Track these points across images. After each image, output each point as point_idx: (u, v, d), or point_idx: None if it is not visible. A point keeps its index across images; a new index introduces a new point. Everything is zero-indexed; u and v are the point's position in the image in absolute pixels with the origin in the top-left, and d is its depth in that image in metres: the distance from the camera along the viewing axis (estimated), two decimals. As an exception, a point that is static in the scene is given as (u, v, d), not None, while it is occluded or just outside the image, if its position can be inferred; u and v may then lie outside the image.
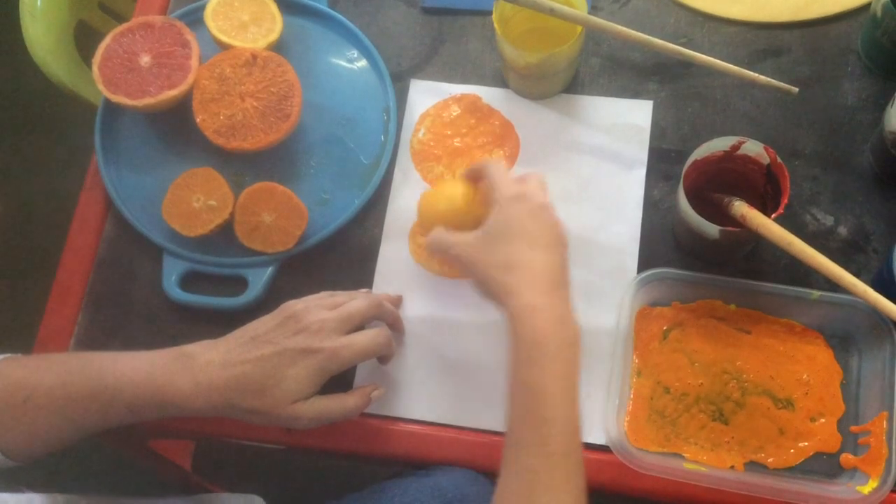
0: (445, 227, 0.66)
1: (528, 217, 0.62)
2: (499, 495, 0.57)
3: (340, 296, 0.68)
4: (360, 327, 0.67)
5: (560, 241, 0.63)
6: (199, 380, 0.62)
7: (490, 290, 0.62)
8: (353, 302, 0.67)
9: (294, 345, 0.63)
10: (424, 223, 0.71)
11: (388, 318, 0.71)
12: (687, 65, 0.79)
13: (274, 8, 0.80)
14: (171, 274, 0.76)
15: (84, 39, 0.99)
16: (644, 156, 0.78)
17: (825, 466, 0.68)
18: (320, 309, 0.66)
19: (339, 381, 0.73)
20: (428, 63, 0.83)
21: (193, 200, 0.75)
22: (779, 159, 0.67)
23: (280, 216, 0.75)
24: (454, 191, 0.69)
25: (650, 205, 0.76)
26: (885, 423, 0.65)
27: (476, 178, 0.68)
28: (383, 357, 0.70)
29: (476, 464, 0.70)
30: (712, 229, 0.66)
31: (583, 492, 0.56)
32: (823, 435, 0.68)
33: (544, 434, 0.56)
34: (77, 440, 0.65)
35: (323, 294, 0.69)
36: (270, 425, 0.64)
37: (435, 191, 0.71)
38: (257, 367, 0.63)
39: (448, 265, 0.76)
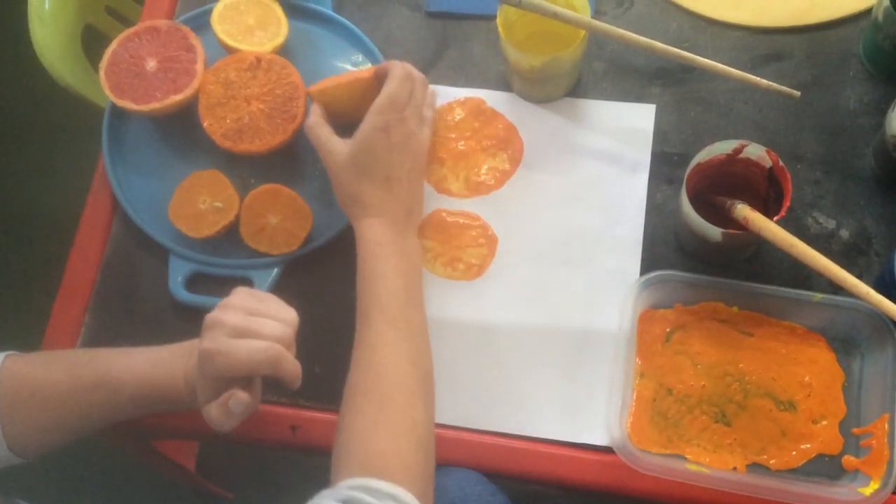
0: (339, 110, 0.72)
1: (385, 152, 0.68)
2: (352, 367, 0.62)
3: (267, 303, 0.64)
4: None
5: (416, 169, 0.70)
6: (187, 372, 0.64)
7: (343, 207, 0.71)
8: (268, 324, 0.61)
9: (206, 344, 0.61)
10: (323, 98, 0.73)
11: (286, 370, 0.62)
12: (689, 69, 0.79)
13: (280, 12, 0.81)
14: (178, 275, 0.77)
15: (91, 43, 1.00)
16: (647, 159, 0.78)
17: (827, 468, 0.68)
18: (233, 311, 0.62)
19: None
20: (432, 67, 0.83)
21: (199, 202, 0.76)
22: (781, 163, 0.67)
23: (285, 218, 0.76)
24: (357, 84, 0.72)
25: (653, 208, 0.76)
26: (886, 425, 0.66)
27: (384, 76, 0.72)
28: (282, 379, 0.62)
29: (479, 464, 0.71)
30: (715, 232, 0.66)
31: (425, 365, 0.65)
32: (825, 437, 0.68)
33: (384, 304, 0.64)
34: (81, 435, 0.66)
35: (249, 293, 0.64)
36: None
37: (340, 78, 0.74)
38: (198, 365, 0.62)
39: (451, 267, 0.77)
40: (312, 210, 0.78)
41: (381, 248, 0.67)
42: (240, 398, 0.60)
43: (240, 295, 0.64)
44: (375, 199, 0.69)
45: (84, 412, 0.64)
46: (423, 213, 0.74)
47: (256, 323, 0.61)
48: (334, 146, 0.70)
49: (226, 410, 0.60)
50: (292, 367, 0.62)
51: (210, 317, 0.61)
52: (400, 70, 0.71)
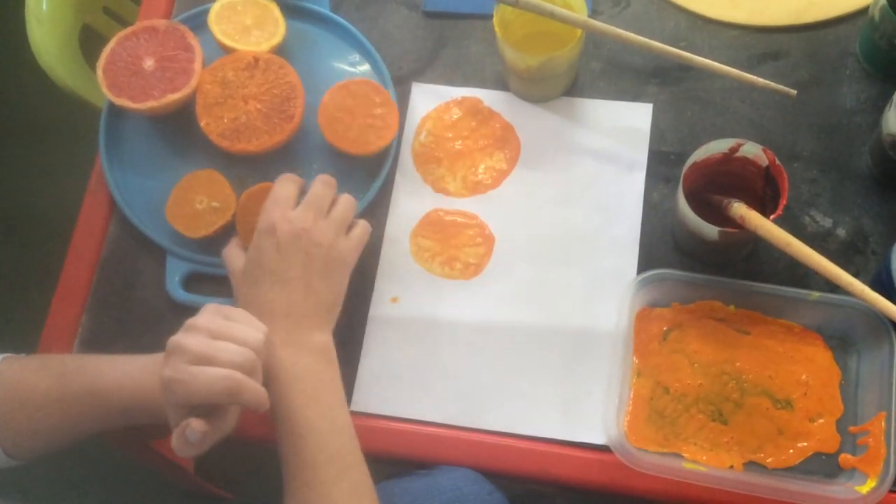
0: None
1: (275, 252, 0.67)
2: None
3: (234, 323, 0.60)
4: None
5: (320, 271, 0.67)
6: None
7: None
8: (229, 349, 0.57)
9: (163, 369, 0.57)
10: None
11: (247, 399, 0.56)
12: (686, 68, 0.80)
13: (277, 12, 0.81)
14: (175, 275, 0.77)
15: (89, 43, 1.00)
16: (644, 158, 0.78)
17: (824, 466, 0.68)
18: (195, 334, 0.58)
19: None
20: (429, 66, 0.84)
21: (196, 202, 0.76)
22: (777, 161, 0.67)
23: None
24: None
25: (650, 207, 0.77)
26: (883, 423, 0.66)
27: None
28: (245, 405, 0.58)
29: (476, 464, 0.71)
30: (711, 230, 0.66)
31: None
32: (822, 435, 0.68)
33: (300, 448, 0.62)
34: (78, 439, 0.65)
35: (217, 311, 0.61)
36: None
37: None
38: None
39: (448, 267, 0.77)
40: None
41: (285, 369, 0.62)
42: (194, 428, 0.55)
43: (206, 314, 0.59)
44: (273, 303, 0.65)
45: (74, 421, 0.63)
46: (337, 311, 0.68)
47: (216, 349, 0.56)
48: (235, 263, 0.71)
49: (183, 440, 0.56)
50: (253, 394, 0.56)
51: (172, 340, 0.57)
52: (283, 175, 0.71)
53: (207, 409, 0.57)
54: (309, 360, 0.65)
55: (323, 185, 0.71)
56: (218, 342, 0.57)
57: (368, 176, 0.79)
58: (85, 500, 0.67)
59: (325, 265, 0.68)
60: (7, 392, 0.63)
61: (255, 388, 0.57)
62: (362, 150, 0.76)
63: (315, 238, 0.68)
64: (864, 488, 0.65)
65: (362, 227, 0.72)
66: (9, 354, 0.66)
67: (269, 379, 0.61)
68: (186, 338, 0.57)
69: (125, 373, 0.63)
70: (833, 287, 0.66)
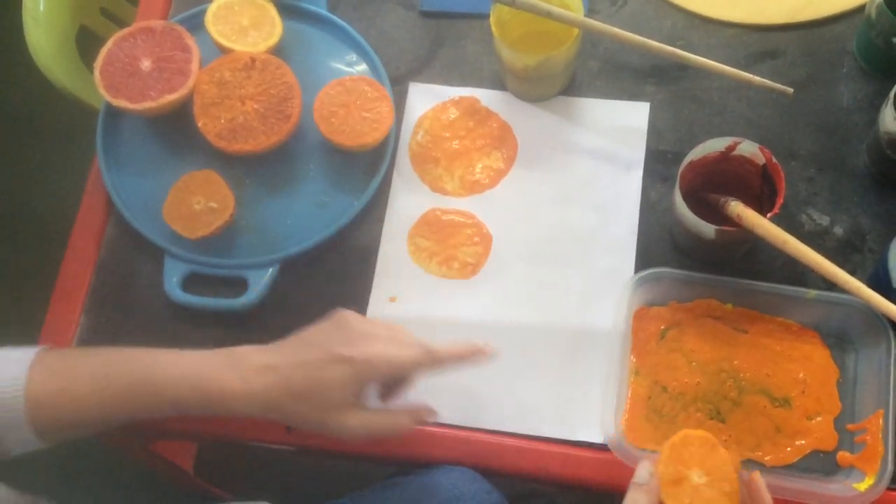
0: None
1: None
2: None
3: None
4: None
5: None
6: (246, 379, 0.61)
7: None
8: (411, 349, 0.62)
9: (337, 350, 0.61)
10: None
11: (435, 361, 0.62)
12: (683, 67, 0.80)
13: (274, 12, 0.81)
14: (173, 275, 0.77)
15: (86, 44, 1.00)
16: (641, 157, 0.78)
17: (822, 464, 0.68)
18: (375, 323, 0.63)
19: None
20: (426, 66, 0.84)
21: (194, 203, 0.76)
22: (774, 160, 0.68)
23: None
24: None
25: (647, 205, 0.77)
26: (880, 420, 0.66)
27: None
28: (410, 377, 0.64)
29: (474, 462, 0.71)
30: (708, 229, 0.66)
31: None
32: (820, 433, 0.69)
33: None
34: (115, 427, 0.64)
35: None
36: (319, 433, 0.62)
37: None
38: (300, 371, 0.61)
39: (446, 266, 0.77)
40: (308, 210, 0.78)
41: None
42: (435, 414, 0.64)
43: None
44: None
45: (117, 410, 0.62)
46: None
47: (394, 328, 0.63)
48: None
49: (420, 422, 0.63)
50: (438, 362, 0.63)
51: (353, 328, 0.62)
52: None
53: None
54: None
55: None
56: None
57: (366, 175, 0.79)
58: (85, 499, 0.67)
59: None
60: (48, 379, 0.62)
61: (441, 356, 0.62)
62: (358, 142, 0.76)
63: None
64: (862, 486, 0.65)
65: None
66: (47, 346, 0.65)
67: None
68: (369, 324, 0.63)
69: (178, 364, 0.62)
70: (830, 285, 0.66)
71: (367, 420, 0.62)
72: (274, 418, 0.63)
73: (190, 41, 0.78)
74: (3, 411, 0.59)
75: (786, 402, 0.69)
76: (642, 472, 0.59)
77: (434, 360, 0.62)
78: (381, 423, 0.63)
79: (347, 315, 0.64)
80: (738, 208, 0.67)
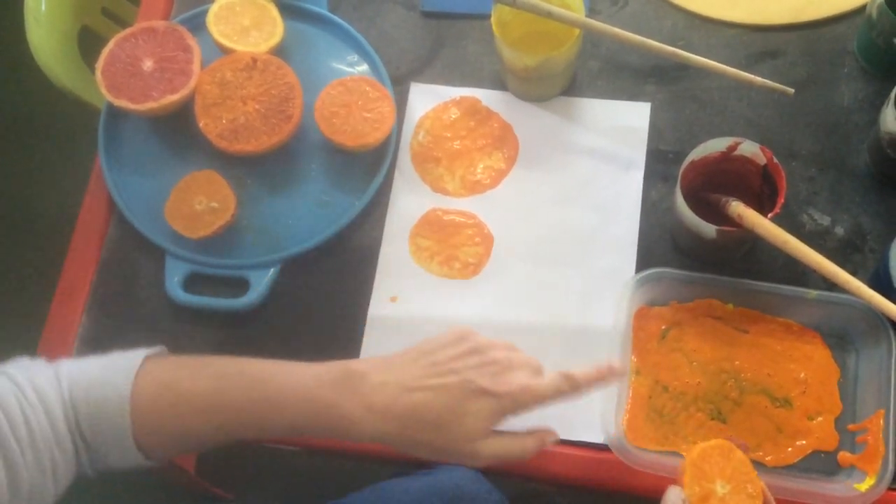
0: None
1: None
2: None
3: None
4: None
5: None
6: (372, 403, 0.57)
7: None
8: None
9: (479, 380, 0.57)
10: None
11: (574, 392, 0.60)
12: (684, 67, 0.80)
13: (275, 12, 0.81)
14: (174, 275, 0.77)
15: (88, 45, 1.00)
16: (642, 157, 0.78)
17: (823, 464, 0.68)
18: (499, 345, 0.60)
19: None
20: (427, 66, 0.84)
21: (195, 203, 0.76)
22: (775, 160, 0.68)
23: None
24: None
25: (648, 205, 0.77)
26: (881, 420, 0.66)
27: None
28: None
29: (476, 463, 0.71)
30: (709, 229, 0.66)
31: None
32: (821, 433, 0.69)
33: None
34: (217, 445, 0.61)
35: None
36: (444, 460, 0.59)
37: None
38: (440, 397, 0.57)
39: (447, 266, 0.77)
40: (309, 210, 0.78)
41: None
42: (556, 436, 0.61)
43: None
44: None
45: (230, 432, 0.59)
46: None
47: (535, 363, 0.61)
48: None
49: (543, 445, 0.60)
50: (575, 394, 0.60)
51: (488, 353, 0.59)
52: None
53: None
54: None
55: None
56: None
57: (367, 175, 0.79)
58: (85, 500, 0.67)
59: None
60: (157, 393, 0.58)
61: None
62: (359, 142, 0.76)
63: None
64: (863, 486, 0.65)
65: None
66: (150, 351, 0.61)
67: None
68: (503, 351, 0.59)
69: (294, 382, 0.58)
70: (831, 285, 0.66)
71: (498, 447, 0.58)
72: (392, 445, 0.58)
73: (191, 41, 0.78)
74: (106, 425, 0.56)
75: (787, 403, 0.70)
76: (674, 497, 0.57)
77: (574, 387, 0.59)
78: (511, 448, 0.59)
79: (472, 334, 0.60)
80: (739, 208, 0.67)
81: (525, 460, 0.59)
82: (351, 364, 0.59)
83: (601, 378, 0.60)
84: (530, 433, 0.60)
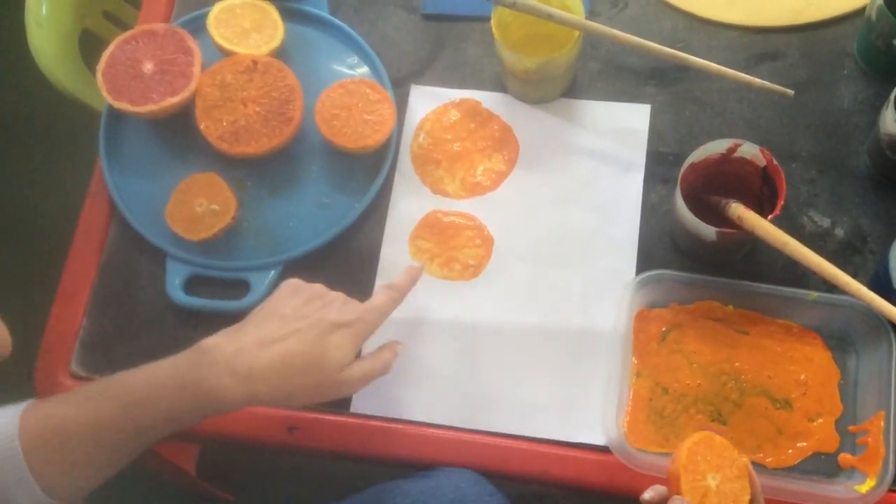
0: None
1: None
2: None
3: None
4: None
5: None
6: (234, 368, 0.60)
7: None
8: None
9: (329, 316, 0.63)
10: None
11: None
12: (684, 69, 0.80)
13: (275, 15, 0.81)
14: (175, 278, 0.77)
15: (88, 47, 1.00)
16: (642, 159, 0.78)
17: (823, 466, 0.68)
18: (321, 286, 0.67)
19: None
20: (428, 68, 0.84)
21: (196, 205, 0.76)
22: (775, 161, 0.68)
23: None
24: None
25: (648, 207, 0.77)
26: (882, 422, 0.66)
27: None
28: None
29: (476, 465, 0.71)
30: (709, 231, 0.66)
31: None
32: (821, 435, 0.69)
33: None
34: (117, 467, 0.62)
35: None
36: (318, 400, 0.63)
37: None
38: (300, 342, 0.61)
39: (447, 268, 0.77)
40: (309, 212, 0.78)
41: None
42: (402, 345, 0.69)
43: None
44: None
45: (114, 447, 0.60)
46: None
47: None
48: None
49: (395, 354, 0.67)
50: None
51: (326, 296, 0.66)
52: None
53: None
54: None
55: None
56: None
57: (367, 177, 0.79)
58: (85, 502, 0.67)
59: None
60: (36, 428, 0.59)
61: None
62: (360, 144, 0.76)
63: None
64: (864, 487, 0.65)
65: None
66: (31, 400, 0.62)
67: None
68: (335, 293, 0.66)
69: (157, 377, 0.60)
70: (831, 287, 0.66)
71: (364, 368, 0.64)
72: (265, 403, 0.61)
73: (192, 44, 0.79)
74: (6, 466, 0.57)
75: (787, 404, 0.70)
76: None
77: (400, 292, 0.68)
78: (374, 365, 0.65)
79: (303, 284, 0.67)
80: (739, 210, 0.67)
81: (387, 373, 0.66)
82: (202, 342, 0.62)
83: (413, 277, 0.70)
84: (382, 348, 0.67)
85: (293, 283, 0.67)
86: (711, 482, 0.58)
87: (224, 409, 0.61)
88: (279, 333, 0.62)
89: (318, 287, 0.67)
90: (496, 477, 0.71)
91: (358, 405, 0.73)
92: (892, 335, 0.67)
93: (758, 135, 0.78)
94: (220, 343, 0.62)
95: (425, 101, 0.83)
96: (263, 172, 0.80)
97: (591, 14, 0.84)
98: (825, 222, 0.75)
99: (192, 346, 0.62)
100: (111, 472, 0.62)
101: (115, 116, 0.82)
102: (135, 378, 0.61)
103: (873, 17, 0.73)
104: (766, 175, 0.69)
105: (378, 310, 0.66)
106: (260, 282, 0.76)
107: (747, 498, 0.58)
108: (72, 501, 0.61)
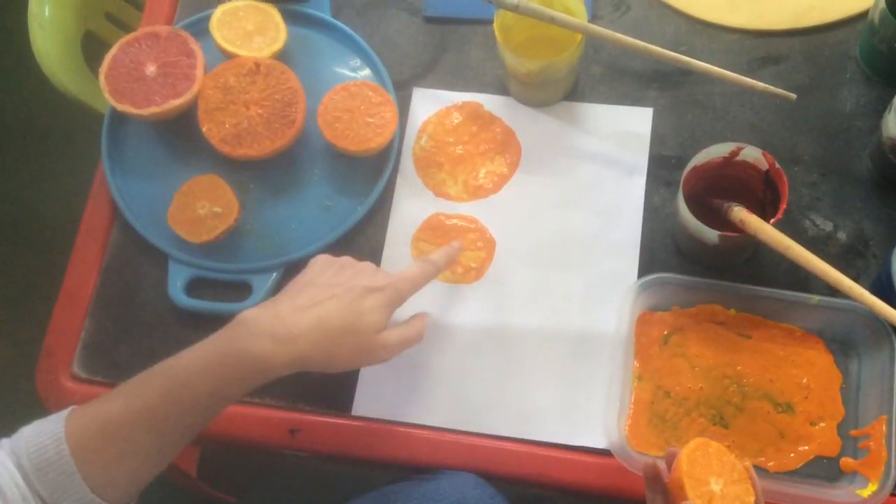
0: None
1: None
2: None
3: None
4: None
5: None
6: (275, 333, 0.61)
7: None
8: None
9: (360, 282, 0.65)
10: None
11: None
12: (686, 72, 0.80)
13: (278, 18, 0.81)
14: (177, 280, 0.77)
15: (91, 50, 1.00)
16: (644, 162, 0.78)
17: (825, 470, 0.68)
18: (352, 259, 0.69)
19: (341, 382, 0.74)
20: (430, 71, 0.84)
21: (198, 207, 0.76)
22: (777, 165, 0.68)
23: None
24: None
25: (650, 211, 0.77)
26: (884, 426, 0.66)
27: None
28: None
29: (478, 468, 0.71)
30: (712, 235, 0.66)
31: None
32: (823, 439, 0.68)
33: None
34: (169, 455, 0.61)
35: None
36: (359, 364, 0.67)
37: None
38: (336, 306, 0.63)
39: (449, 271, 0.77)
40: (311, 215, 0.78)
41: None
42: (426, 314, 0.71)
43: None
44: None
45: (161, 434, 0.60)
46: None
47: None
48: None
49: (414, 328, 0.68)
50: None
51: (356, 265, 0.68)
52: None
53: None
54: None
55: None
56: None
57: (370, 180, 0.79)
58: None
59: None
60: (80, 428, 0.59)
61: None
62: (362, 147, 0.76)
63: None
64: (866, 492, 0.65)
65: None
66: (74, 406, 0.61)
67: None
68: (365, 263, 0.69)
69: (197, 356, 0.61)
70: (834, 291, 0.66)
71: (400, 333, 0.66)
72: (309, 366, 0.62)
73: (195, 46, 0.79)
74: (54, 472, 0.56)
75: (789, 408, 0.69)
76: None
77: (435, 265, 0.70)
78: (409, 331, 0.67)
79: (327, 256, 0.69)
80: (742, 214, 0.67)
81: (421, 340, 0.68)
82: (240, 315, 0.63)
83: (450, 255, 0.72)
84: (414, 317, 0.70)
85: (323, 257, 0.69)
86: (715, 486, 0.58)
87: (270, 375, 0.62)
88: (315, 300, 0.63)
89: (347, 258, 0.69)
90: (497, 479, 0.71)
91: (359, 408, 0.73)
92: (894, 339, 0.67)
93: (760, 138, 0.78)
94: (257, 314, 0.63)
95: (427, 103, 0.83)
96: (266, 175, 0.80)
97: (594, 17, 0.84)
98: (827, 226, 0.75)
99: (226, 326, 0.63)
100: (163, 461, 0.61)
101: (118, 119, 0.82)
102: (176, 361, 0.61)
103: (876, 20, 0.73)
104: (768, 179, 0.69)
105: (410, 279, 0.67)
106: (262, 284, 0.76)
107: (752, 499, 0.58)
108: (126, 500, 0.61)
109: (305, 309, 0.63)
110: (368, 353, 0.65)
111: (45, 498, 0.56)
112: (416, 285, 0.68)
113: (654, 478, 0.60)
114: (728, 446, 0.68)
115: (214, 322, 0.76)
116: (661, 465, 0.61)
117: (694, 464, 0.59)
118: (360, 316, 0.64)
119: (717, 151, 0.69)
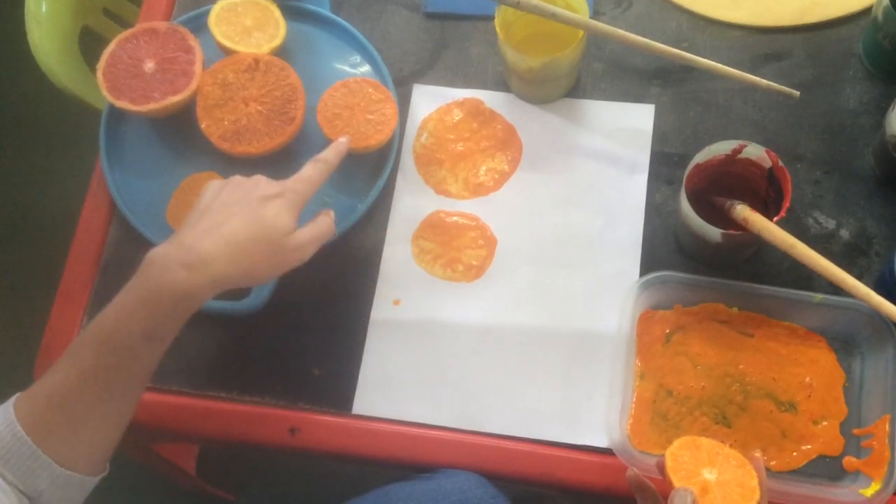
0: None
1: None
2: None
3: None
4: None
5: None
6: (187, 262, 0.60)
7: None
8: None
9: (256, 194, 0.65)
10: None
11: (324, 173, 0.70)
12: (689, 69, 0.79)
13: (277, 13, 0.81)
14: (176, 278, 0.77)
15: (89, 45, 0.99)
16: (646, 159, 0.78)
17: (828, 469, 0.68)
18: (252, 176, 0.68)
19: (341, 376, 0.73)
20: (430, 68, 0.83)
21: (197, 205, 0.76)
22: (780, 163, 0.67)
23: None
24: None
25: (652, 208, 0.76)
26: (887, 425, 0.66)
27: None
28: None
29: (480, 467, 0.71)
30: (714, 233, 0.66)
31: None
32: (826, 438, 0.68)
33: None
34: (127, 412, 0.61)
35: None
36: (280, 270, 0.65)
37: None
38: (238, 220, 0.63)
39: (450, 269, 0.76)
40: (312, 212, 0.78)
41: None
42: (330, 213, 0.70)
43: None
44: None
45: (107, 384, 0.59)
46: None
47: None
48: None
49: (322, 224, 0.68)
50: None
51: (248, 180, 0.67)
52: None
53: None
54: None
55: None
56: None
57: (370, 177, 0.79)
58: (85, 502, 0.67)
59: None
60: (32, 407, 0.59)
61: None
62: (362, 144, 0.76)
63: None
64: (869, 491, 0.64)
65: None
66: (18, 393, 0.61)
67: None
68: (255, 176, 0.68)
69: (118, 304, 0.60)
70: (837, 289, 0.66)
71: (310, 232, 0.67)
72: (231, 284, 0.62)
73: (193, 42, 0.78)
74: (16, 457, 0.57)
75: (792, 407, 0.69)
76: (682, 497, 0.56)
77: (329, 165, 0.70)
78: (319, 229, 0.68)
79: (216, 181, 0.68)
80: (745, 212, 0.67)
81: (333, 234, 0.69)
82: (147, 255, 0.62)
83: (340, 151, 0.72)
84: (318, 214, 0.70)
85: (213, 182, 0.68)
86: (708, 476, 0.58)
87: (195, 303, 0.61)
88: (216, 221, 0.63)
89: (237, 177, 0.68)
90: (499, 479, 0.71)
91: (360, 406, 0.73)
92: (897, 338, 0.67)
93: (763, 136, 0.77)
94: (164, 250, 0.62)
95: (428, 100, 0.82)
96: (265, 172, 0.78)
97: (596, 13, 0.83)
98: (830, 224, 0.74)
99: (140, 266, 0.62)
100: (120, 420, 0.61)
101: (116, 115, 0.82)
102: (101, 319, 0.61)
103: (880, 17, 0.73)
104: (771, 176, 0.69)
105: (305, 180, 0.68)
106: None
107: (754, 482, 0.57)
108: (97, 468, 0.61)
109: (209, 231, 0.62)
110: (283, 255, 0.65)
111: (21, 487, 0.56)
112: (312, 184, 0.68)
113: (639, 487, 0.60)
114: (730, 445, 0.68)
115: (212, 320, 0.76)
116: (652, 465, 0.60)
117: (679, 461, 0.58)
118: (266, 222, 0.64)
119: (719, 149, 0.69)
